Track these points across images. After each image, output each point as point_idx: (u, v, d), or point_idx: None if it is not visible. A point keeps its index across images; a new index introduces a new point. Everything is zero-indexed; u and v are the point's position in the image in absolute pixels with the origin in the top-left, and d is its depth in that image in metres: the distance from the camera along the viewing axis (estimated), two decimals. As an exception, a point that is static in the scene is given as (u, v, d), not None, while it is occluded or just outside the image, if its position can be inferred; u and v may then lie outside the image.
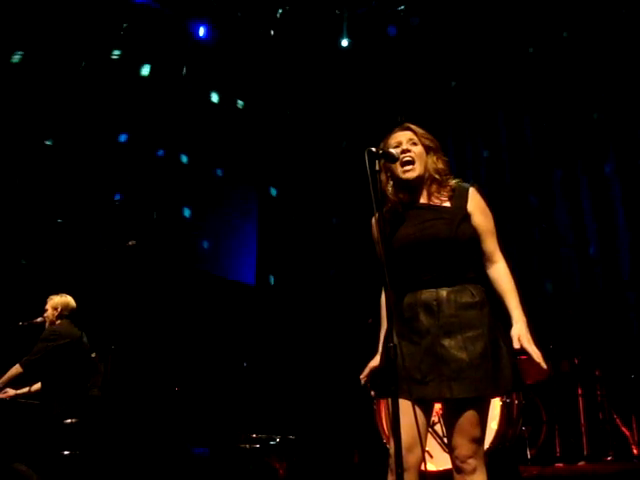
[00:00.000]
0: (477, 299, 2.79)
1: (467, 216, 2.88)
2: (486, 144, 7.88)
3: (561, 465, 5.65)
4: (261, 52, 8.45)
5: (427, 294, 2.81)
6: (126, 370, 6.09)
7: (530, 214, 7.31)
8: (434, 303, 2.79)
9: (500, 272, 2.86)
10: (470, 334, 2.73)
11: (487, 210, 2.94)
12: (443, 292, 2.80)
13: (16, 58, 7.05)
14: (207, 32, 8.31)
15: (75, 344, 5.54)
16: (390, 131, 3.01)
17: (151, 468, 5.99)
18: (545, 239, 7.06)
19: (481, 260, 2.89)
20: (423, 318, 2.80)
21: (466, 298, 2.79)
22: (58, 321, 5.66)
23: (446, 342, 2.74)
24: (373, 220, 2.95)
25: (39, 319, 5.73)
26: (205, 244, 8.42)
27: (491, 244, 2.90)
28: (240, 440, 6.07)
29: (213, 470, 6.16)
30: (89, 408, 5.33)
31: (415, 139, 2.95)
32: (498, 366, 2.72)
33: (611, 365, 6.11)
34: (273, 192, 8.96)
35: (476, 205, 2.91)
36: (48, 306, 5.70)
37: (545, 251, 7.11)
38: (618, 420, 5.82)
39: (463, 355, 2.70)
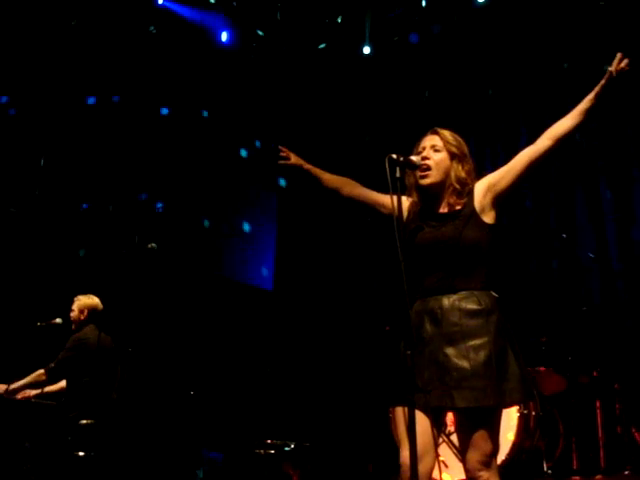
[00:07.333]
0: (483, 306, 2.75)
1: (474, 216, 2.84)
2: (507, 157, 7.73)
3: (578, 478, 5.59)
4: (283, 60, 8.48)
5: (433, 302, 2.79)
6: (142, 373, 6.11)
7: (551, 228, 7.20)
8: (439, 311, 2.77)
9: (556, 123, 2.95)
10: (473, 342, 2.69)
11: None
12: (448, 300, 2.77)
13: None
14: (230, 37, 8.35)
15: (101, 351, 5.45)
16: (422, 135, 3.02)
17: (165, 471, 6.00)
18: (565, 250, 6.96)
19: (491, 266, 2.85)
20: (428, 326, 2.78)
21: (471, 305, 2.75)
22: (86, 328, 5.57)
23: (448, 350, 2.71)
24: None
25: (57, 320, 5.67)
26: (223, 249, 8.43)
27: (524, 149, 3.00)
28: (255, 445, 6.06)
29: (227, 475, 6.16)
30: (105, 410, 5.33)
31: (439, 145, 2.92)
32: (504, 376, 2.68)
33: (630, 379, 6.04)
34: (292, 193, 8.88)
35: (484, 181, 2.94)
36: (75, 306, 5.61)
37: (565, 263, 7.02)
38: (637, 434, 5.75)
39: (465, 364, 2.67)
